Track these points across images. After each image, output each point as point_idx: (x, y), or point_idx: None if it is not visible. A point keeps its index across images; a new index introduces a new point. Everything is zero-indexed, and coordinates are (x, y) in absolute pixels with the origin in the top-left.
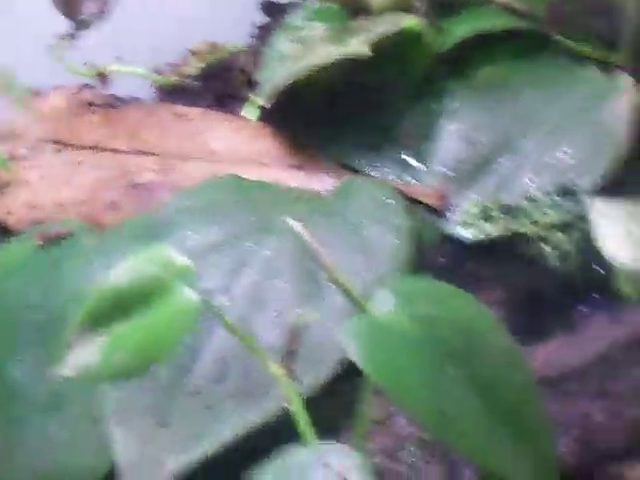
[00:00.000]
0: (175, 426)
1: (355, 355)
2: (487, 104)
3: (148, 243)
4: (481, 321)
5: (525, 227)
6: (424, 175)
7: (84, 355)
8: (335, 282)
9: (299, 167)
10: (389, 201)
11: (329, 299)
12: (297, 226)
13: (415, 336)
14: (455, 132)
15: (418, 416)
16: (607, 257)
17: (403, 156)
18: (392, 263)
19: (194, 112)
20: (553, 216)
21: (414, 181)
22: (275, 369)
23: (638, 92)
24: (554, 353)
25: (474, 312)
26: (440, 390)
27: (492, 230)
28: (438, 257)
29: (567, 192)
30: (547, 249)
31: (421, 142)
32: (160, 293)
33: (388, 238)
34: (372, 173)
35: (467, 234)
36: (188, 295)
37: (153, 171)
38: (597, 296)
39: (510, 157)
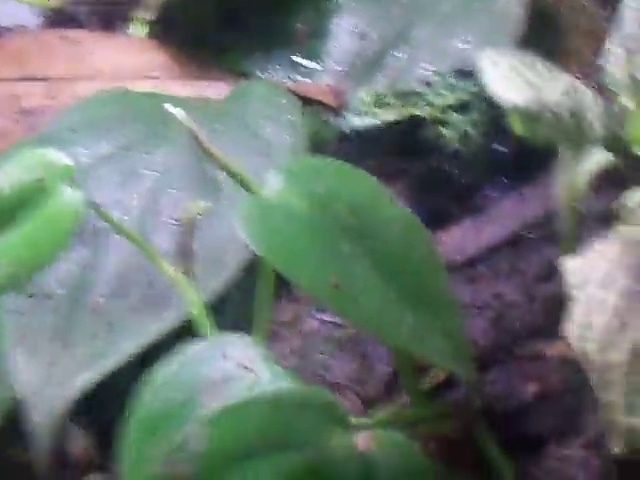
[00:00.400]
0: (78, 346)
1: (247, 237)
2: None
3: None
4: (377, 197)
5: (421, 110)
6: (318, 74)
7: None
8: (229, 172)
9: (190, 77)
10: (283, 101)
11: (228, 201)
12: (187, 121)
13: (306, 213)
14: (346, 28)
15: (312, 291)
16: (498, 99)
17: (296, 57)
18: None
19: (80, 34)
20: (449, 97)
21: (308, 81)
22: (172, 273)
23: None
24: (461, 237)
25: (369, 189)
26: (335, 267)
27: (387, 116)
28: (337, 154)
29: (463, 73)
30: (445, 131)
31: (313, 41)
32: (41, 196)
33: (284, 137)
34: (265, 77)
35: (361, 122)
36: (70, 195)
37: (42, 96)
38: (502, 177)
39: (405, 49)
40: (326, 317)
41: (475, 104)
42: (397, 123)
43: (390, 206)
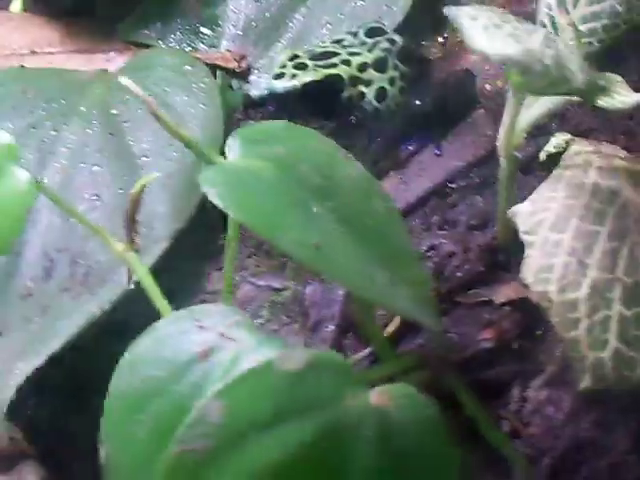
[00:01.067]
0: (15, 332)
1: (219, 202)
2: None
3: None
4: (335, 156)
5: (338, 69)
6: (217, 41)
7: None
8: (183, 141)
9: (82, 51)
10: (189, 68)
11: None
12: (127, 82)
13: (274, 176)
14: None
15: (295, 254)
16: (486, 52)
17: (194, 24)
18: (205, 130)
19: None
20: (366, 56)
21: (208, 48)
22: (119, 246)
23: None
24: (390, 192)
25: (326, 148)
26: (312, 227)
27: (306, 77)
28: (248, 120)
29: (376, 32)
30: (364, 89)
31: (211, 7)
32: None
33: (196, 105)
34: (163, 46)
35: (281, 85)
36: (20, 175)
37: None
38: (423, 131)
39: (305, 12)
40: (261, 282)
41: (389, 61)
42: (316, 83)
43: (348, 164)
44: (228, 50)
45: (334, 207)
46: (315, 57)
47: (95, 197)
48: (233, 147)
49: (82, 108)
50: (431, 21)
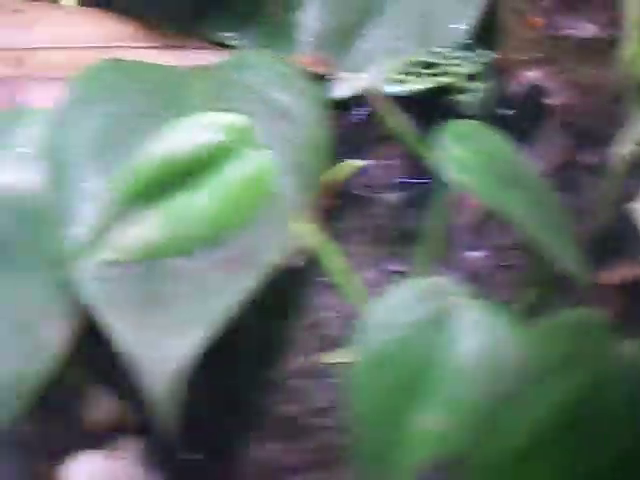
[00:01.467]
0: (172, 309)
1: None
2: None
3: None
4: (513, 152)
5: (445, 78)
6: (297, 46)
7: (134, 234)
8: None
9: (167, 47)
10: (286, 70)
11: None
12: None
13: (480, 166)
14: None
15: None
16: None
17: (274, 28)
18: (313, 127)
19: (23, 4)
20: (468, 67)
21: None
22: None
23: None
24: None
25: (507, 146)
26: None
27: (420, 84)
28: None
29: (467, 47)
30: (464, 98)
31: (289, 13)
32: (225, 159)
33: (302, 103)
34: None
35: (393, 89)
36: (258, 156)
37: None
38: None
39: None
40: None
41: (482, 74)
42: (427, 91)
43: (523, 159)
44: (314, 55)
45: (521, 194)
46: (425, 66)
47: None
48: (443, 141)
49: (195, 101)
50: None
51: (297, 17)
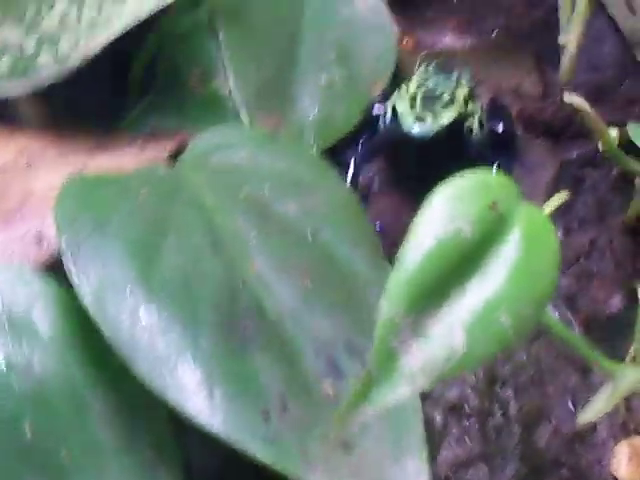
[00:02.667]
0: None
1: None
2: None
3: None
4: None
5: (459, 106)
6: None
7: (429, 350)
8: None
9: (95, 149)
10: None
11: None
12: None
13: None
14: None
15: None
16: None
17: (204, 100)
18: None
19: None
20: (462, 90)
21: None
22: None
23: None
24: None
25: None
26: None
27: (445, 118)
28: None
29: (441, 70)
30: (471, 120)
31: (212, 82)
32: (500, 226)
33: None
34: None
35: (423, 129)
36: (535, 212)
37: None
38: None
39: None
40: None
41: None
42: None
43: None
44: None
45: None
46: (430, 99)
47: None
48: None
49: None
50: None
51: (218, 85)
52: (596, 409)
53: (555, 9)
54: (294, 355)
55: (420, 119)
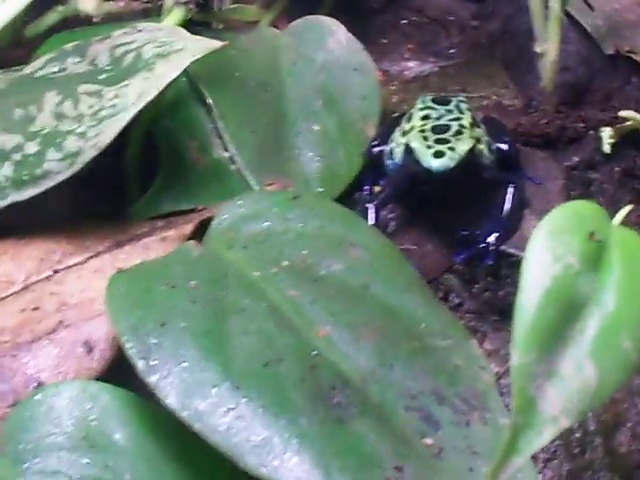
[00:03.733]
0: None
1: None
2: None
3: None
4: None
5: (470, 133)
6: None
7: (564, 389)
8: None
9: (115, 247)
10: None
11: None
12: None
13: None
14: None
15: None
16: None
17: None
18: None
19: None
20: (466, 118)
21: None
22: None
23: None
24: None
25: None
26: None
27: (462, 148)
28: None
29: (443, 100)
30: (480, 146)
31: (211, 153)
32: (606, 253)
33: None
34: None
35: (443, 163)
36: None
37: None
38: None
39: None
40: None
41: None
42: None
43: None
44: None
45: None
46: (439, 131)
47: None
48: None
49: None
50: None
51: (218, 154)
52: None
53: (510, 18)
54: (388, 416)
55: (438, 154)
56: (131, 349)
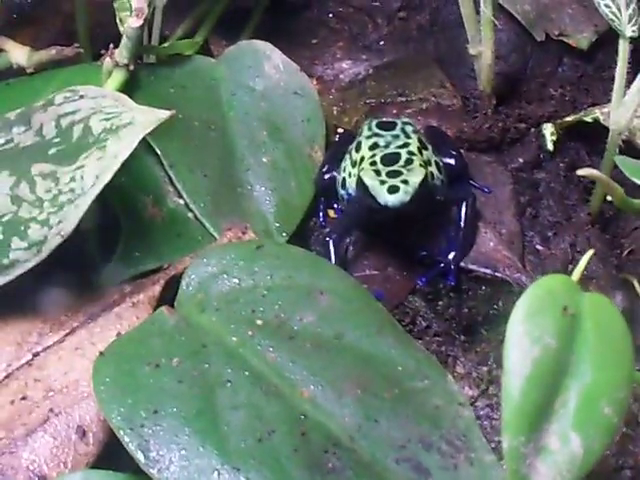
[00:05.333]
0: None
1: None
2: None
3: None
4: None
5: (419, 160)
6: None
7: (552, 461)
8: None
9: (108, 307)
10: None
11: None
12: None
13: None
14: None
15: None
16: None
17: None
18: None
19: None
20: (413, 142)
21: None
22: None
23: None
24: None
25: None
26: None
27: (415, 180)
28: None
29: (387, 125)
30: (431, 169)
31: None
32: (579, 323)
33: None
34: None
35: (399, 197)
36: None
37: None
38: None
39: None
40: None
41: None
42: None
43: None
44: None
45: None
46: (390, 162)
47: None
48: None
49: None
50: None
51: (173, 205)
52: None
53: (438, 10)
54: (381, 472)
55: (392, 189)
56: (129, 443)
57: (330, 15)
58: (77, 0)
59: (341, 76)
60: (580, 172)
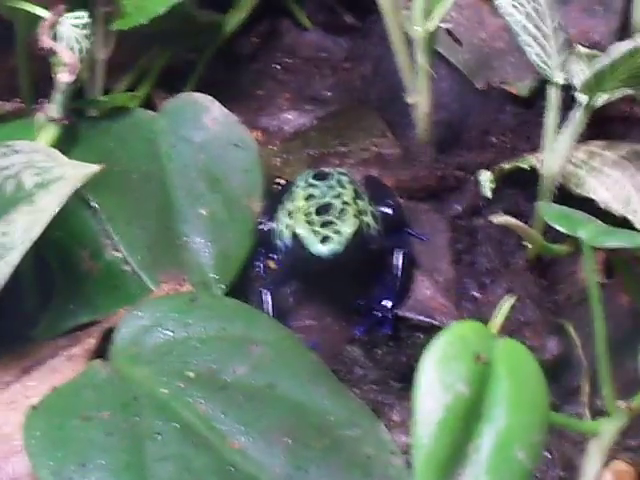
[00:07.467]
0: None
1: None
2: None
3: None
4: None
5: (353, 209)
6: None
7: None
8: None
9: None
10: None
11: None
12: None
13: None
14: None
15: None
16: None
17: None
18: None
19: None
20: (347, 192)
21: None
22: None
23: None
24: None
25: None
26: None
27: (348, 228)
28: None
29: (322, 175)
30: (365, 219)
31: (101, 258)
32: (492, 370)
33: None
34: None
35: (331, 248)
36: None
37: None
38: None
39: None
40: None
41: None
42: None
43: None
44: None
45: None
46: (323, 212)
47: None
48: None
49: None
50: None
51: (110, 258)
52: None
53: (380, 59)
54: None
55: (325, 239)
56: None
57: (277, 66)
58: (19, 55)
59: (286, 127)
60: (495, 220)
